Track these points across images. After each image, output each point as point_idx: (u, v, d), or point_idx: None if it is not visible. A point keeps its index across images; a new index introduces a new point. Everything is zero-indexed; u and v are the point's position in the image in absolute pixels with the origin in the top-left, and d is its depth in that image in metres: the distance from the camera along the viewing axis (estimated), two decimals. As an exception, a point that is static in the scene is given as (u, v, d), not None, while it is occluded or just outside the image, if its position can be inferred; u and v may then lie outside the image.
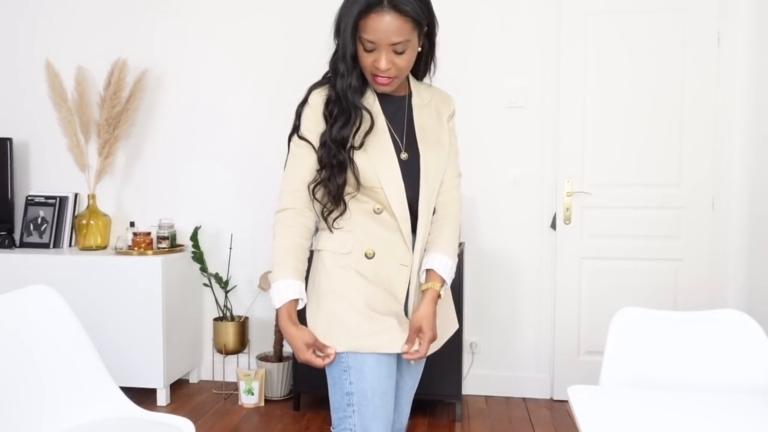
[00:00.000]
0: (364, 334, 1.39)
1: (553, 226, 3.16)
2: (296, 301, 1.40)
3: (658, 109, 3.05)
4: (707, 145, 3.03)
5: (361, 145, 1.40)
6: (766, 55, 2.86)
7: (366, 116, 1.41)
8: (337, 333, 1.40)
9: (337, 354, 1.40)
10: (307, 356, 1.38)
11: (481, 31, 3.16)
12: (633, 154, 3.07)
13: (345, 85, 1.39)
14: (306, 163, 1.43)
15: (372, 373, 1.39)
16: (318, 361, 1.39)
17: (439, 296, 1.45)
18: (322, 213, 1.44)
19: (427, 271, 1.47)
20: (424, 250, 1.49)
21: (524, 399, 3.20)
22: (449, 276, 1.48)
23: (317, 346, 1.39)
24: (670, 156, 3.05)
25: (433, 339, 1.43)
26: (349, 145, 1.39)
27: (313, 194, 1.44)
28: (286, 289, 1.38)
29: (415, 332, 1.42)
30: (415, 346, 1.42)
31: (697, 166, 3.04)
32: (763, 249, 2.85)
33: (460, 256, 2.91)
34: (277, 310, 1.39)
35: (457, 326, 1.64)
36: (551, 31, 3.11)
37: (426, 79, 1.56)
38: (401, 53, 1.36)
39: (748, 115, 2.97)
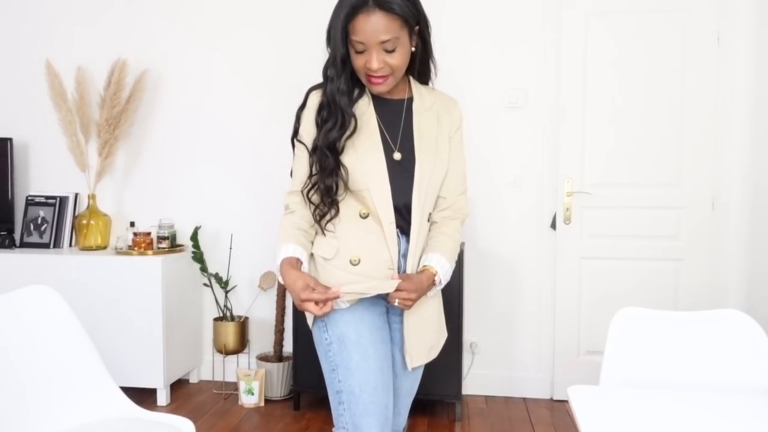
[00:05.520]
0: (348, 283, 1.40)
1: (553, 226, 3.15)
2: (297, 259, 1.40)
3: (658, 109, 3.05)
4: (707, 145, 3.03)
5: (343, 148, 1.42)
6: (766, 55, 2.86)
7: (351, 120, 1.42)
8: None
9: (324, 336, 1.43)
10: (305, 295, 1.33)
11: (481, 31, 3.15)
12: (633, 154, 3.07)
13: (333, 89, 1.41)
14: (305, 164, 1.47)
15: (358, 370, 1.40)
16: (315, 309, 1.34)
17: (433, 283, 1.46)
18: (314, 215, 1.47)
19: (423, 268, 1.47)
20: (420, 255, 1.49)
21: (524, 399, 3.20)
22: (444, 277, 1.48)
23: (317, 290, 1.35)
24: (670, 156, 3.05)
25: (414, 292, 1.42)
26: (338, 147, 1.42)
27: (308, 197, 1.46)
28: (286, 251, 1.41)
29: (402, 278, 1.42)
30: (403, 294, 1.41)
31: (697, 166, 3.04)
32: (763, 249, 2.85)
33: (460, 255, 2.91)
34: (280, 265, 1.40)
35: (446, 335, 1.64)
36: (551, 31, 3.11)
37: (429, 82, 1.57)
38: (392, 51, 1.37)
39: (748, 115, 2.97)
